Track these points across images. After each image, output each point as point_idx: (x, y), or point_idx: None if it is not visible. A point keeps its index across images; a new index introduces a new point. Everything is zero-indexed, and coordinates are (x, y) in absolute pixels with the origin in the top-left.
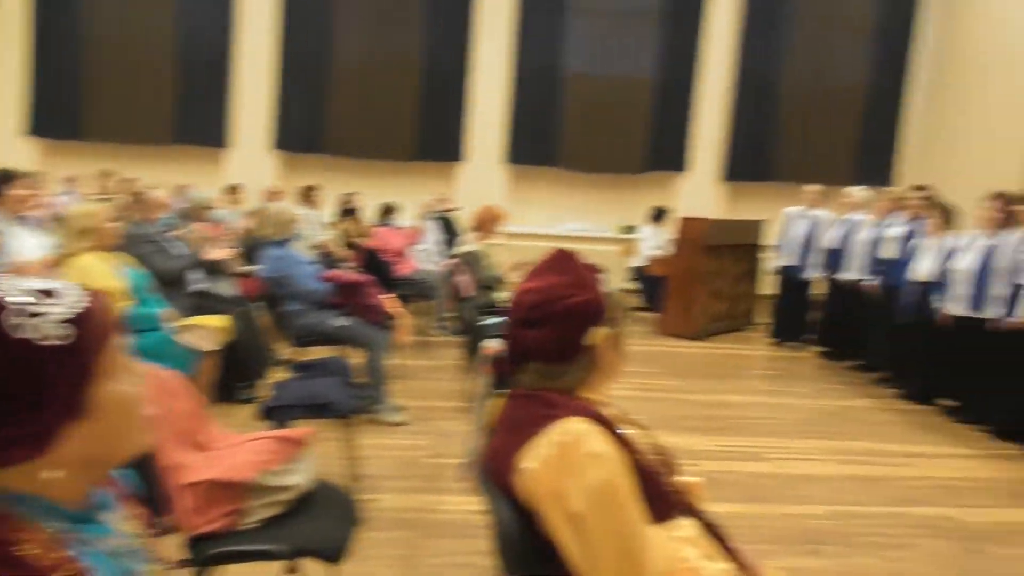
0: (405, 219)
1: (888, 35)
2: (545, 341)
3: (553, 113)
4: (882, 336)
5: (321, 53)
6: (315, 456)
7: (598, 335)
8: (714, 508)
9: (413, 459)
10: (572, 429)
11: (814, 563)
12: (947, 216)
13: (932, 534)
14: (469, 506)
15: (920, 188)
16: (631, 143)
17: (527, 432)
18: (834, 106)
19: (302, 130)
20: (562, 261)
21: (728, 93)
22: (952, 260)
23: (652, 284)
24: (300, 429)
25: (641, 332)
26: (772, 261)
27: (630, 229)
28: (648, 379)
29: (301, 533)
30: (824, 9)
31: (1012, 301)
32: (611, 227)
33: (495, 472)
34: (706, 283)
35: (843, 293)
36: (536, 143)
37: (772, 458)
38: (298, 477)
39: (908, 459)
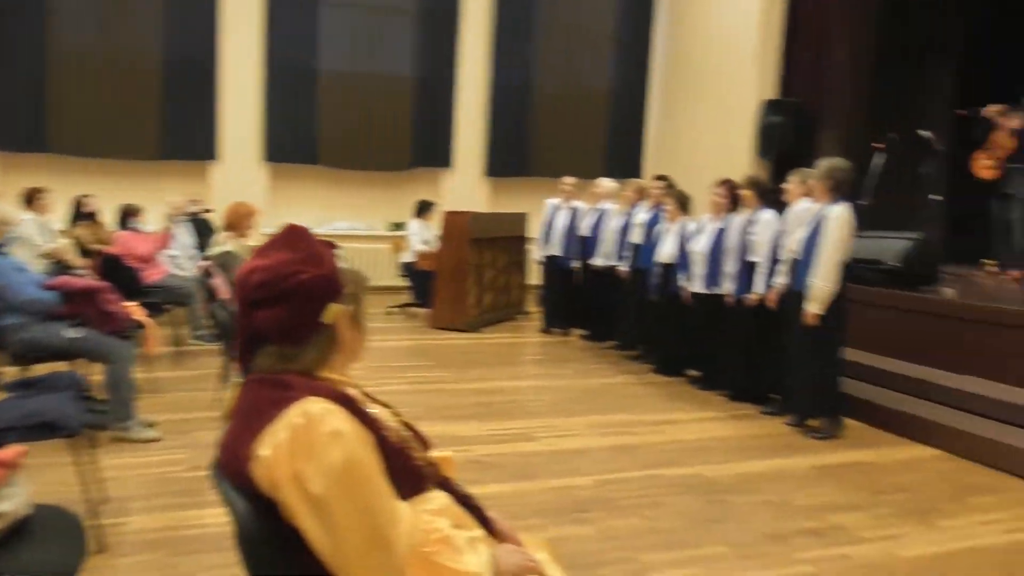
0: (152, 222)
1: (627, 43)
2: (277, 321)
3: (310, 110)
4: (633, 316)
5: (35, 42)
6: (30, 479)
7: (335, 312)
8: (486, 489)
9: (167, 475)
10: (310, 410)
11: (580, 530)
12: (682, 202)
13: (682, 491)
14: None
15: (660, 178)
16: (397, 141)
17: (263, 418)
18: (583, 107)
19: (21, 127)
20: (292, 237)
21: (486, 93)
22: (690, 243)
23: (422, 279)
24: (9, 451)
25: (413, 327)
26: (536, 252)
27: (399, 226)
28: (421, 372)
29: (17, 564)
30: (568, 20)
31: (742, 277)
32: (382, 225)
33: (230, 465)
34: (474, 275)
35: (598, 278)
36: (294, 141)
37: (541, 437)
38: (9, 504)
39: (660, 426)
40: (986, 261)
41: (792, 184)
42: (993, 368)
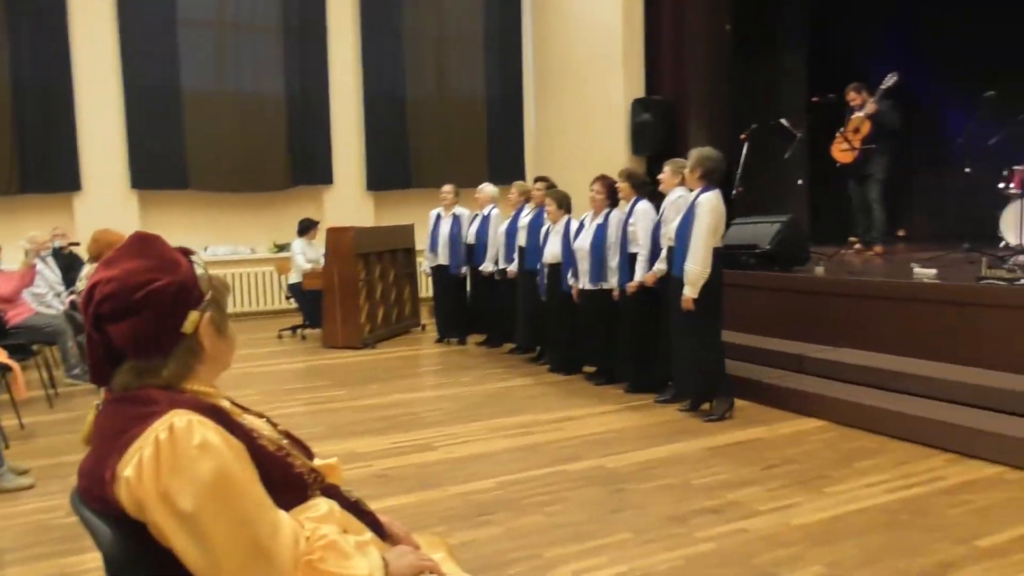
0: (12, 261)
1: (498, 47)
2: (132, 334)
3: (176, 133)
4: (526, 318)
5: None
6: None
7: (195, 320)
8: (388, 502)
9: (45, 523)
10: (175, 423)
11: (485, 532)
12: (562, 202)
13: (585, 484)
14: None
15: (541, 179)
16: (274, 159)
17: (125, 438)
18: (461, 114)
19: None
20: (141, 245)
21: (360, 106)
22: (574, 241)
23: (310, 299)
24: None
25: (305, 348)
26: (425, 263)
27: (283, 247)
28: (317, 392)
29: None
30: (435, 26)
31: (626, 270)
32: (265, 247)
33: (92, 491)
34: (364, 291)
35: (488, 283)
36: (162, 166)
37: (441, 446)
38: None
39: (560, 423)
40: (852, 239)
41: (666, 174)
42: (865, 338)
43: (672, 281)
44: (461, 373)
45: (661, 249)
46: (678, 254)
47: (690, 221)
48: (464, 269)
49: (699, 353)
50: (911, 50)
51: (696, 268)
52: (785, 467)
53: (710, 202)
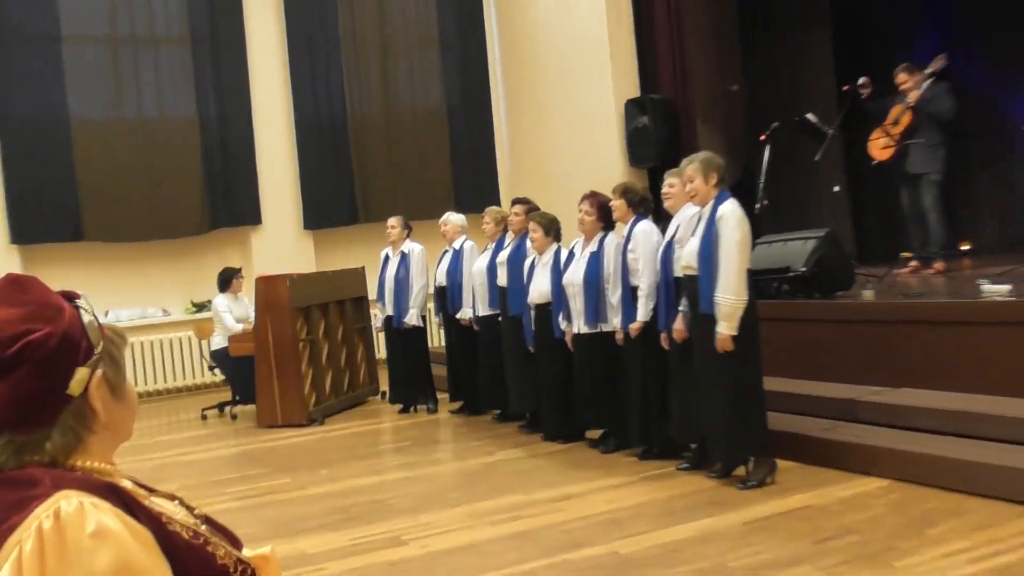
0: None
1: (457, 50)
2: (6, 400)
3: (63, 171)
4: (513, 375)
5: None
6: None
7: (84, 379)
8: None
9: None
10: (63, 509)
11: None
12: (549, 228)
13: (597, 575)
14: None
15: (519, 202)
16: (187, 198)
17: (1, 529)
18: (416, 131)
19: None
20: (13, 289)
21: (290, 129)
22: (565, 275)
23: (239, 367)
24: None
25: (237, 430)
26: (377, 314)
27: (202, 306)
28: (254, 482)
29: None
30: (378, 29)
31: (629, 307)
32: (180, 307)
33: None
34: (306, 353)
35: (464, 335)
36: (48, 213)
37: (413, 539)
38: None
39: (560, 503)
40: (906, 254)
41: (673, 187)
42: (930, 375)
43: (700, 319)
44: (434, 449)
45: (667, 278)
46: (703, 284)
47: (713, 240)
48: (410, 319)
49: (736, 405)
50: (956, 26)
51: (731, 298)
52: (843, 539)
53: (735, 213)
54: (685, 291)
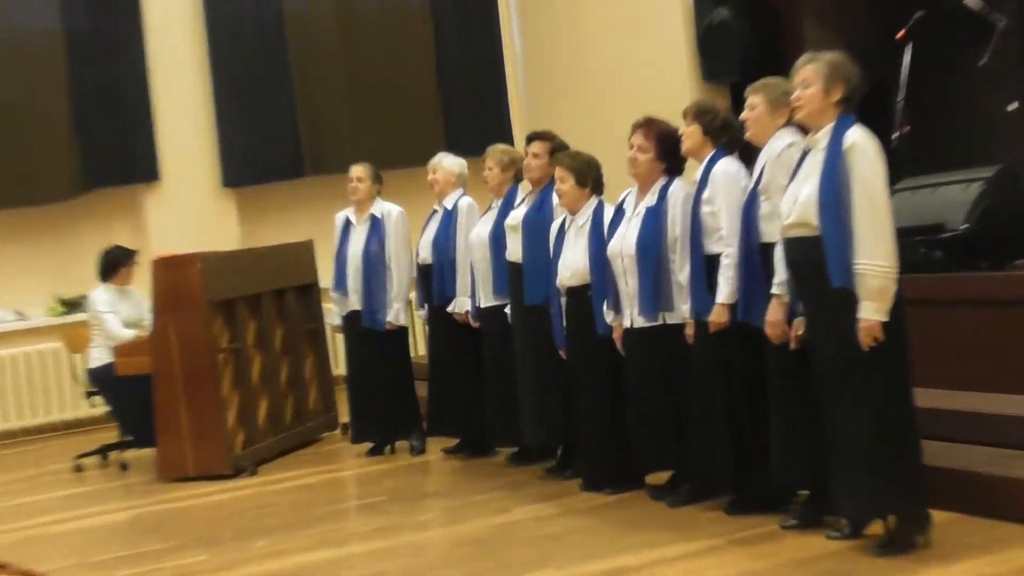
0: None
1: None
2: None
3: None
4: (533, 395)
5: None
6: None
7: None
8: None
9: None
10: None
11: None
12: (585, 175)
13: None
14: None
15: (538, 138)
16: (52, 147)
17: None
18: (389, 44)
19: None
20: None
21: (201, 45)
22: (611, 243)
23: (129, 393)
24: None
25: (129, 485)
26: (334, 309)
27: (73, 304)
28: (156, 562)
29: None
30: None
31: (702, 287)
32: (42, 307)
33: None
34: (229, 371)
35: (460, 337)
36: None
37: None
38: None
39: None
40: None
41: (755, 108)
42: None
43: (821, 304)
44: (420, 506)
45: (750, 245)
46: (832, 248)
47: (841, 180)
48: (390, 317)
49: (877, 432)
50: None
51: (883, 265)
52: None
53: (871, 143)
54: (789, 264)
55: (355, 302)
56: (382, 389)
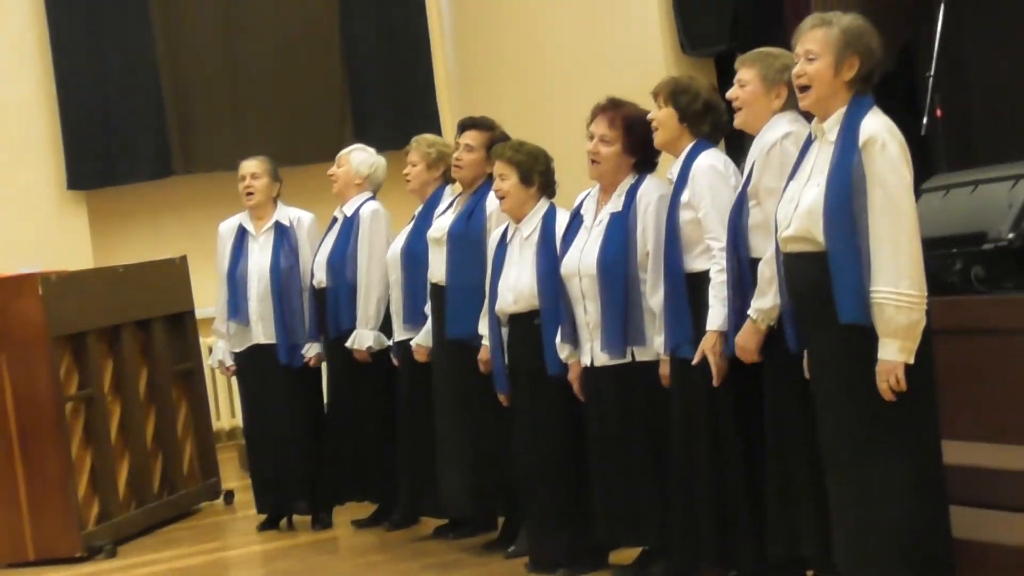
0: None
1: None
2: None
3: None
4: (473, 451)
5: None
6: None
7: None
8: None
9: None
10: None
11: None
12: (528, 170)
13: None
14: None
15: (473, 126)
16: None
17: None
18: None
19: None
20: None
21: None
22: (565, 259)
23: None
24: None
25: None
26: (218, 345)
27: None
28: None
29: None
30: None
31: (682, 313)
32: None
33: None
34: (79, 426)
35: (364, 379)
36: None
37: None
38: None
39: None
40: None
41: (745, 87)
42: None
43: (825, 339)
44: None
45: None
46: (841, 269)
47: (854, 182)
48: (314, 350)
49: (899, 498)
50: None
51: (910, 294)
52: None
53: (895, 135)
54: (788, 288)
55: (260, 334)
56: (290, 444)
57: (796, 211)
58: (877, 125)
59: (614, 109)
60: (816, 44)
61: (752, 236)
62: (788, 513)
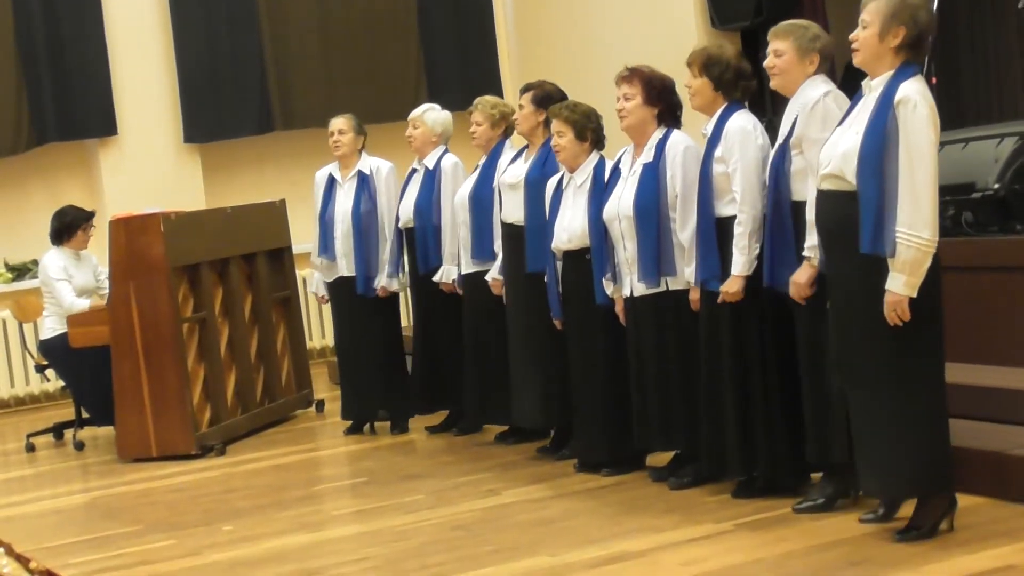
0: None
1: None
2: None
3: None
4: (525, 368)
5: None
6: None
7: None
8: None
9: None
10: None
11: None
12: (582, 127)
13: None
14: None
15: (532, 89)
16: None
17: None
18: None
19: None
20: None
21: None
22: (607, 205)
23: (84, 367)
24: None
25: (86, 465)
26: (314, 274)
27: (21, 270)
28: (115, 548)
29: None
30: None
31: (710, 251)
32: None
33: None
34: (194, 343)
35: (446, 308)
36: None
37: None
38: None
39: (613, 566)
40: None
41: (781, 56)
42: None
43: (847, 269)
44: (405, 488)
45: (780, 202)
46: (867, 208)
47: (888, 135)
48: (382, 282)
49: (901, 413)
50: None
51: (922, 237)
52: None
53: (927, 98)
54: (818, 218)
55: (344, 267)
56: (372, 362)
57: (835, 154)
58: (912, 89)
59: (631, 73)
60: (869, 14)
61: (794, 181)
62: (822, 423)
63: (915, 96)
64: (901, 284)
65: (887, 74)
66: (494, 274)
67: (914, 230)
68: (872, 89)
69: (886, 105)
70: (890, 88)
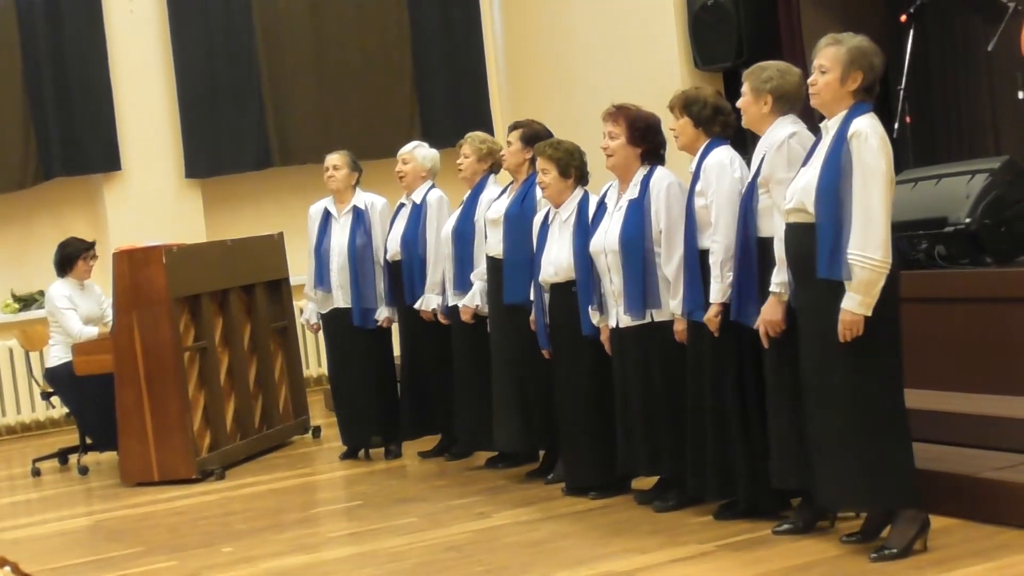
0: None
1: None
2: None
3: None
4: (521, 396)
5: None
6: None
7: None
8: None
9: None
10: None
11: None
12: (566, 164)
13: None
14: None
15: (520, 127)
16: (4, 132)
17: None
18: (362, 25)
19: None
20: None
21: (162, 27)
22: (594, 238)
23: (88, 394)
24: None
25: (91, 489)
26: (308, 307)
27: (27, 301)
28: (118, 569)
29: None
30: None
31: (694, 282)
32: None
33: None
34: (195, 371)
35: (433, 336)
36: None
37: None
38: None
39: None
40: None
41: (745, 92)
42: None
43: (810, 296)
44: (398, 511)
45: (747, 238)
46: (824, 235)
47: (843, 168)
48: (384, 313)
49: (857, 430)
50: None
51: (873, 258)
52: None
53: (878, 131)
54: (787, 250)
55: (340, 299)
56: (365, 390)
57: (794, 188)
58: (864, 123)
59: (616, 111)
60: (827, 60)
61: (760, 218)
62: (785, 447)
63: (866, 129)
64: (856, 303)
65: (841, 114)
66: (465, 301)
67: (866, 252)
68: (828, 129)
69: (840, 140)
70: (844, 125)
